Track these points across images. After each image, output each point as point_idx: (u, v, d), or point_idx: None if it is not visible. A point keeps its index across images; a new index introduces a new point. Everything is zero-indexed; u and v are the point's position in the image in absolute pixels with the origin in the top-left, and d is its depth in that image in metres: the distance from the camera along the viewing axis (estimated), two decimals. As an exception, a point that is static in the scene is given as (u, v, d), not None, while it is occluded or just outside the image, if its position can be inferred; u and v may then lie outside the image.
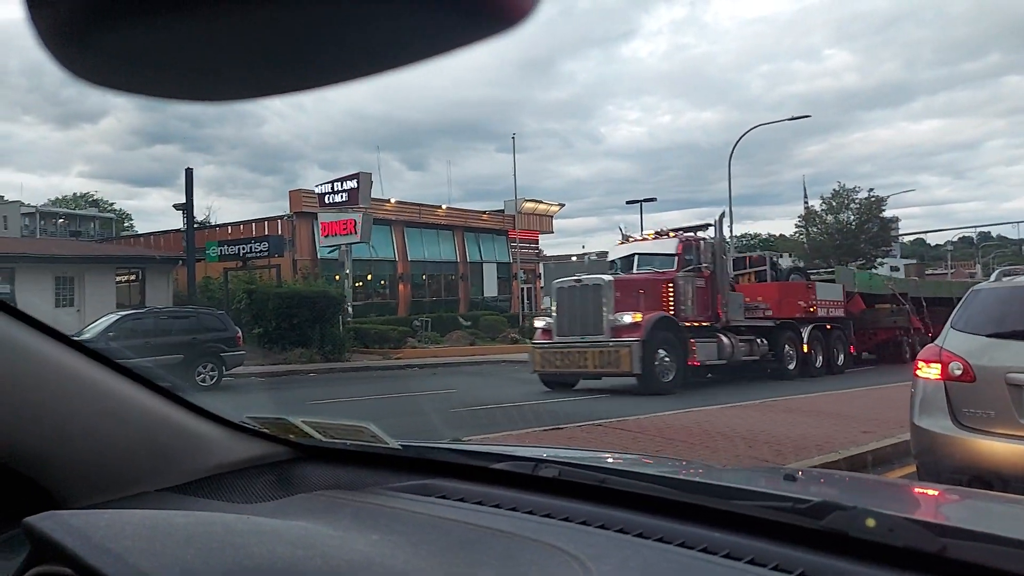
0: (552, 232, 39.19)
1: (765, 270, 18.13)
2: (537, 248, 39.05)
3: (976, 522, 1.12)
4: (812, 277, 18.65)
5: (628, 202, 52.09)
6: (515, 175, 32.65)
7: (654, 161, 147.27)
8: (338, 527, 1.01)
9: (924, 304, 20.44)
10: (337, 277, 23.93)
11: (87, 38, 0.30)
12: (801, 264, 22.20)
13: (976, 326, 4.17)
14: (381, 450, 1.47)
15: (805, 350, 15.21)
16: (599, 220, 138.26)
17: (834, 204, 40.57)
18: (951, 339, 4.18)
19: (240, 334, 15.34)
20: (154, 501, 1.19)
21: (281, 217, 26.59)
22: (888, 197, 40.59)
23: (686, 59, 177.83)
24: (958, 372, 3.96)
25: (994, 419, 3.80)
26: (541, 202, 37.49)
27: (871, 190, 40.30)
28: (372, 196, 24.82)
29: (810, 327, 15.47)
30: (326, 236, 24.00)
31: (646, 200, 51.11)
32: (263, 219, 27.28)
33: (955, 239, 79.98)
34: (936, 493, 1.75)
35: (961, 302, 4.47)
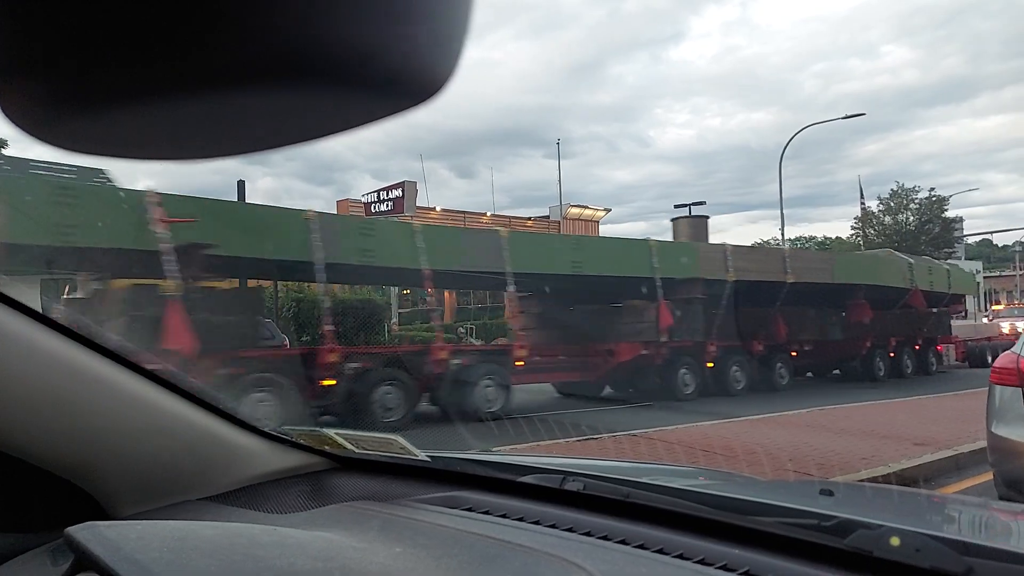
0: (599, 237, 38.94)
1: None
2: (583, 254, 38.84)
3: (1004, 540, 1.11)
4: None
5: (676, 206, 51.40)
6: (560, 180, 32.71)
7: (704, 164, 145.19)
8: (363, 539, 1.04)
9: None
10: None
11: (57, 116, 0.33)
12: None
13: None
14: (411, 462, 1.51)
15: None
16: (648, 225, 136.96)
17: (892, 204, 39.30)
18: None
19: (287, 342, 15.57)
20: (193, 510, 1.24)
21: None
22: (950, 197, 39.08)
23: (736, 60, 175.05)
24: None
25: None
26: (587, 207, 37.31)
27: (932, 189, 38.91)
28: (418, 204, 25.09)
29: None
30: (372, 245, 24.31)
31: (695, 204, 50.37)
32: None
33: (1024, 239, 76.29)
34: (970, 508, 1.75)
35: None
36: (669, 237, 16.84)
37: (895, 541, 0.90)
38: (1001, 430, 4.05)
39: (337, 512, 1.26)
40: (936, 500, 2.29)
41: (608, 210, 39.27)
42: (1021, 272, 71.37)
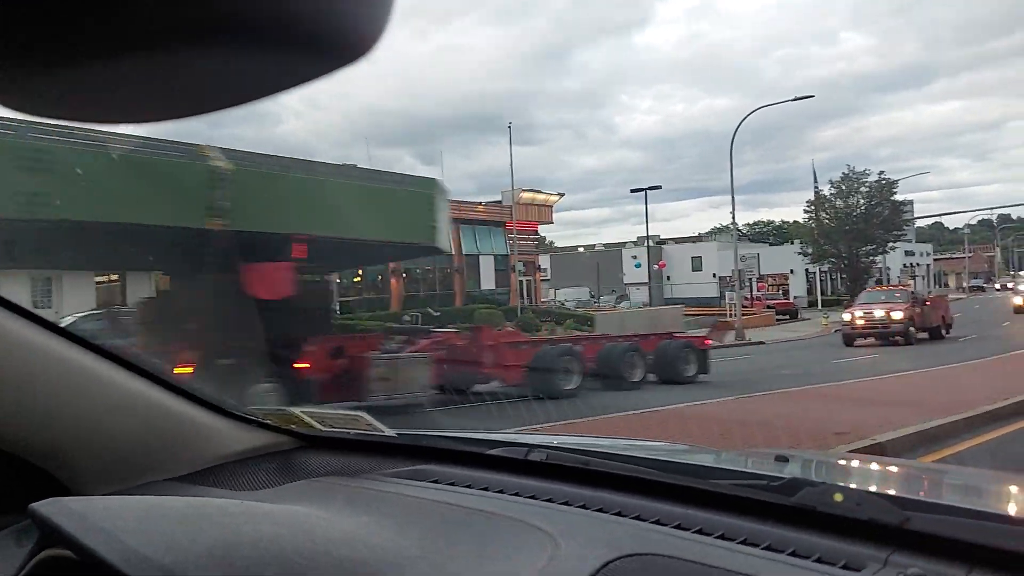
0: (552, 223, 38.67)
1: None
2: (536, 239, 38.43)
3: (938, 495, 1.22)
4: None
5: (632, 190, 51.47)
6: (511, 164, 31.95)
7: (668, 150, 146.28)
8: (330, 510, 1.07)
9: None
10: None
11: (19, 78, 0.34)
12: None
13: None
14: (378, 438, 1.56)
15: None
16: (612, 211, 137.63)
17: (843, 188, 39.72)
18: None
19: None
20: (160, 490, 1.24)
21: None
22: (899, 180, 39.74)
23: (701, 46, 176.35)
24: None
25: None
26: (540, 192, 36.96)
27: (882, 172, 39.53)
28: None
29: None
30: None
31: (651, 188, 50.55)
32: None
33: (974, 222, 78.57)
34: (909, 469, 1.88)
35: None
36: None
37: (838, 497, 0.97)
38: None
39: (305, 487, 1.30)
40: (878, 464, 2.46)
41: (561, 195, 39.02)
42: (969, 255, 73.40)
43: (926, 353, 17.93)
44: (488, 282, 33.13)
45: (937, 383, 11.13)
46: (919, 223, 70.00)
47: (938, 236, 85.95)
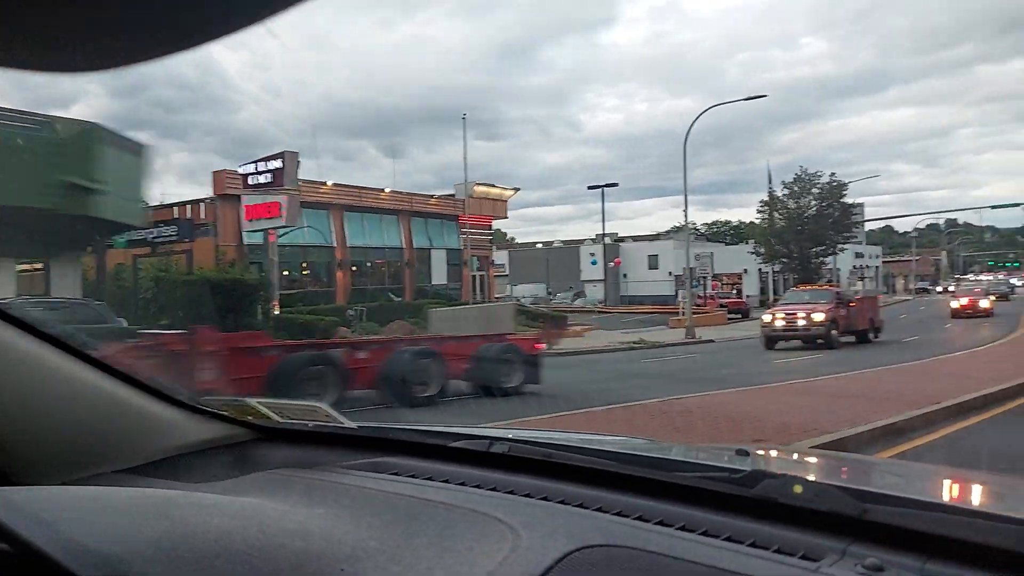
0: (507, 217, 38.25)
1: None
2: (491, 234, 37.93)
3: (895, 488, 1.22)
4: None
5: (590, 187, 51.34)
6: (465, 156, 31.70)
7: (631, 148, 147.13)
8: (286, 502, 1.05)
9: None
10: (262, 263, 22.53)
11: None
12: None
13: None
14: (338, 430, 1.54)
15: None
16: (575, 208, 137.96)
17: (796, 189, 40.19)
18: None
19: (125, 325, 13.95)
20: (109, 481, 1.20)
21: (204, 200, 24.96)
22: (849, 183, 40.42)
23: (665, 46, 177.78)
24: None
25: None
26: (494, 186, 36.51)
27: (832, 174, 40.11)
28: (310, 179, 23.39)
29: None
30: (250, 220, 22.61)
31: (608, 185, 50.45)
32: (185, 202, 25.72)
33: (922, 226, 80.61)
34: (868, 464, 2.07)
35: None
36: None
37: (798, 489, 0.98)
38: None
39: (260, 479, 1.26)
40: (839, 459, 2.48)
41: (517, 189, 38.63)
42: (916, 257, 75.22)
43: (841, 359, 16.82)
44: (440, 277, 32.51)
45: (806, 397, 9.54)
46: (870, 226, 71.42)
47: (888, 239, 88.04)
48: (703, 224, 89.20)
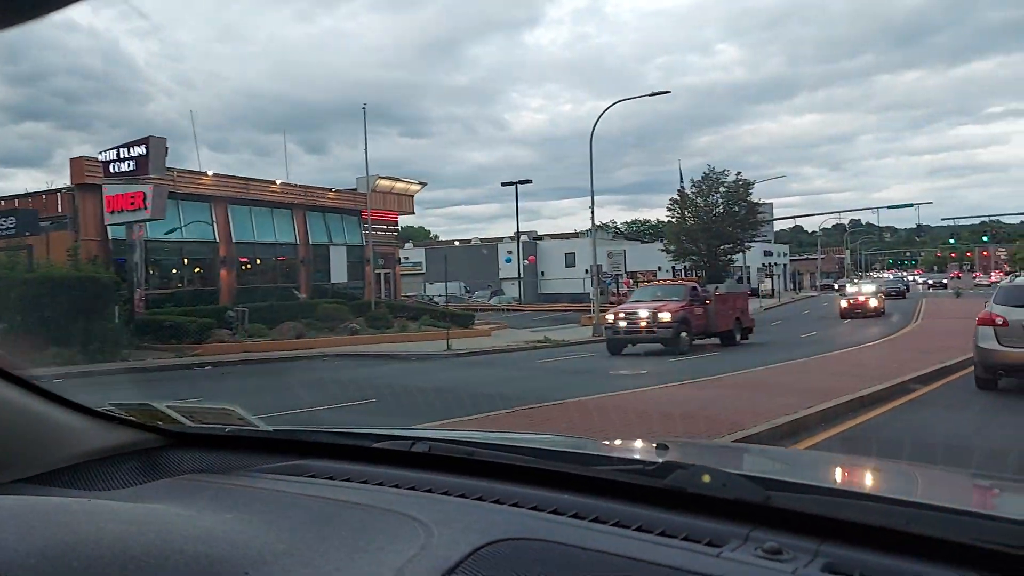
0: (412, 212, 36.69)
1: None
2: (396, 230, 36.38)
3: (798, 475, 1.31)
4: None
5: (503, 184, 50.42)
6: (366, 148, 29.59)
7: (555, 148, 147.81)
8: (192, 507, 1.04)
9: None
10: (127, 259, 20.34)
11: None
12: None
13: (1002, 301, 10.10)
14: (252, 433, 1.52)
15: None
16: (501, 207, 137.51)
17: (704, 188, 40.53)
18: (993, 308, 9.99)
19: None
20: (5, 492, 1.14)
21: (60, 190, 22.51)
22: (755, 182, 41.09)
23: (587, 48, 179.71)
24: (999, 322, 9.68)
25: (1015, 342, 9.48)
26: (399, 180, 34.89)
27: (739, 173, 40.66)
28: (189, 168, 21.20)
29: None
30: (112, 212, 20.44)
31: (521, 182, 49.63)
32: (37, 192, 23.19)
33: (828, 226, 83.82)
34: (776, 454, 2.29)
35: (995, 291, 10.92)
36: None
37: (706, 478, 1.02)
38: (984, 344, 9.72)
39: (167, 485, 1.25)
40: (748, 450, 2.77)
41: (424, 184, 37.06)
42: (822, 256, 78.10)
43: (684, 367, 13.84)
44: (340, 275, 30.77)
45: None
46: (779, 225, 73.42)
47: (796, 238, 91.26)
48: (623, 223, 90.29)
